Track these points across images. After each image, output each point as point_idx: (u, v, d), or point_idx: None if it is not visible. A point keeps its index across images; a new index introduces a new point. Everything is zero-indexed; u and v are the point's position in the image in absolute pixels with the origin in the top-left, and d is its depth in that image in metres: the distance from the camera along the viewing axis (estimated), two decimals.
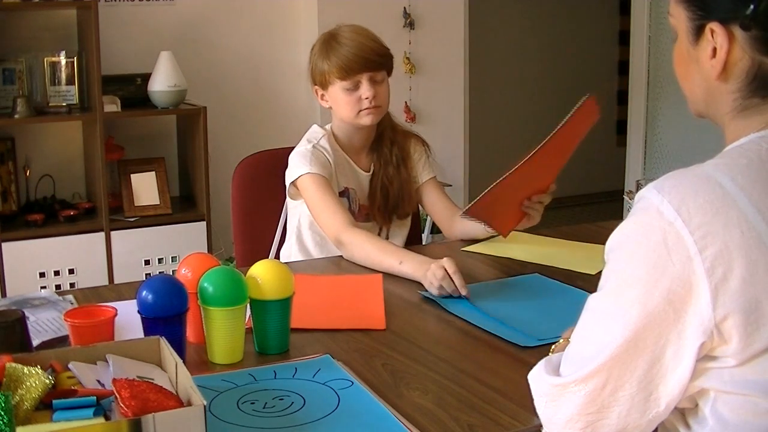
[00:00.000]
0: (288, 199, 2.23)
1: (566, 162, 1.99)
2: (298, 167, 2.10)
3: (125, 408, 1.05)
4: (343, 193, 2.17)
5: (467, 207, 1.94)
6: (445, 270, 1.73)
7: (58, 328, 1.51)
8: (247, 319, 1.44)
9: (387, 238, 2.20)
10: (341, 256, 2.05)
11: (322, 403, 1.25)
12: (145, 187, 3.71)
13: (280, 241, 2.33)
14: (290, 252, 2.24)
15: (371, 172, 2.21)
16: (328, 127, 2.23)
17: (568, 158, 1.98)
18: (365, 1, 4.05)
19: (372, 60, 2.08)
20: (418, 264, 1.82)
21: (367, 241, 1.97)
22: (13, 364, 1.12)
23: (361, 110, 2.09)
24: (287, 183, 2.14)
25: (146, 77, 3.66)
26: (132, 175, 3.71)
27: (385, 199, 2.19)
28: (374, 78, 2.09)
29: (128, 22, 3.83)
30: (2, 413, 1.00)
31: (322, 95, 2.15)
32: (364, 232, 2.01)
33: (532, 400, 1.08)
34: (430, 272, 1.75)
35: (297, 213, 2.21)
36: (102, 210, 3.55)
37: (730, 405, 0.97)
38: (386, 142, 2.21)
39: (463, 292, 1.71)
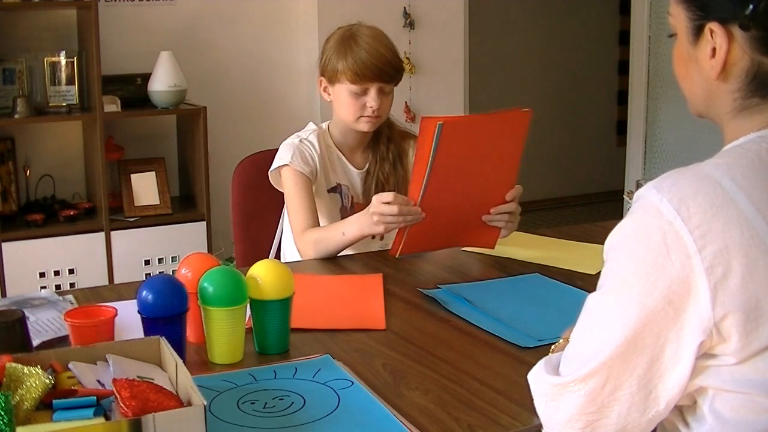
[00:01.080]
0: None
1: (515, 173, 1.96)
2: (280, 158, 2.14)
3: (125, 408, 1.05)
4: (335, 189, 2.19)
5: (399, 249, 1.95)
6: (387, 203, 1.88)
7: (58, 328, 1.51)
8: (247, 319, 1.44)
9: (382, 238, 2.21)
10: (342, 255, 2.05)
11: (322, 403, 1.25)
12: (145, 187, 3.71)
13: (280, 240, 2.34)
14: (293, 246, 2.24)
15: (365, 170, 2.22)
16: (325, 124, 2.24)
17: (515, 169, 1.95)
18: (365, 1, 4.05)
19: (386, 72, 2.08)
20: (356, 220, 1.97)
21: (313, 233, 2.06)
22: (13, 364, 1.12)
23: (362, 116, 2.10)
24: (270, 169, 2.16)
25: (146, 77, 3.66)
26: (132, 175, 3.71)
27: None
28: (383, 89, 2.09)
29: (128, 22, 3.83)
30: (2, 413, 1.00)
31: (326, 88, 2.15)
32: (311, 230, 2.06)
33: (532, 400, 1.08)
34: (372, 215, 1.90)
35: None
36: (102, 210, 3.55)
37: (729, 403, 0.97)
38: (383, 140, 2.21)
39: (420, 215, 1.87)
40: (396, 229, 1.94)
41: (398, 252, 1.95)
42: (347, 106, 2.10)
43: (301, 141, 2.16)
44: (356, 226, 1.96)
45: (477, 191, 1.95)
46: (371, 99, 2.08)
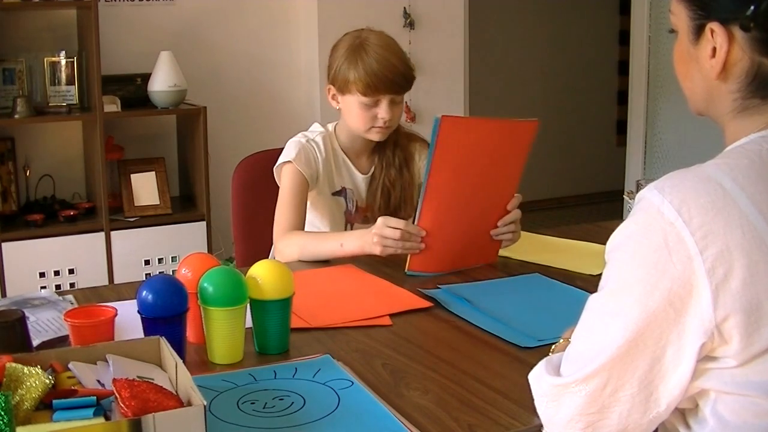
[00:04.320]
0: None
1: (516, 184, 1.92)
2: (284, 155, 2.11)
3: (125, 408, 1.05)
4: (340, 193, 2.17)
5: (407, 265, 1.88)
6: (390, 227, 1.84)
7: (58, 328, 1.51)
8: (246, 319, 1.44)
9: None
10: None
11: (322, 403, 1.25)
12: (145, 187, 3.71)
13: None
14: None
15: (371, 174, 2.19)
16: (331, 126, 2.21)
17: (517, 180, 1.91)
18: (365, 1, 4.05)
19: (398, 83, 2.04)
20: (359, 236, 1.92)
21: (301, 237, 2.02)
22: (13, 364, 1.12)
23: (373, 127, 2.07)
24: (275, 165, 2.14)
25: (146, 77, 3.66)
26: (132, 175, 3.71)
27: (386, 201, 2.16)
28: (394, 100, 2.05)
29: (128, 22, 3.83)
30: (2, 413, 1.00)
31: (334, 95, 2.11)
32: (298, 232, 2.04)
33: (532, 400, 1.08)
34: (374, 236, 1.85)
35: None
36: (102, 210, 3.55)
37: (731, 405, 0.97)
38: (389, 145, 2.18)
39: (416, 231, 1.84)
40: (394, 253, 1.86)
41: (406, 267, 1.89)
42: (358, 117, 2.07)
43: (308, 141, 2.13)
44: (357, 242, 1.91)
45: (480, 203, 1.89)
46: (383, 111, 2.04)
